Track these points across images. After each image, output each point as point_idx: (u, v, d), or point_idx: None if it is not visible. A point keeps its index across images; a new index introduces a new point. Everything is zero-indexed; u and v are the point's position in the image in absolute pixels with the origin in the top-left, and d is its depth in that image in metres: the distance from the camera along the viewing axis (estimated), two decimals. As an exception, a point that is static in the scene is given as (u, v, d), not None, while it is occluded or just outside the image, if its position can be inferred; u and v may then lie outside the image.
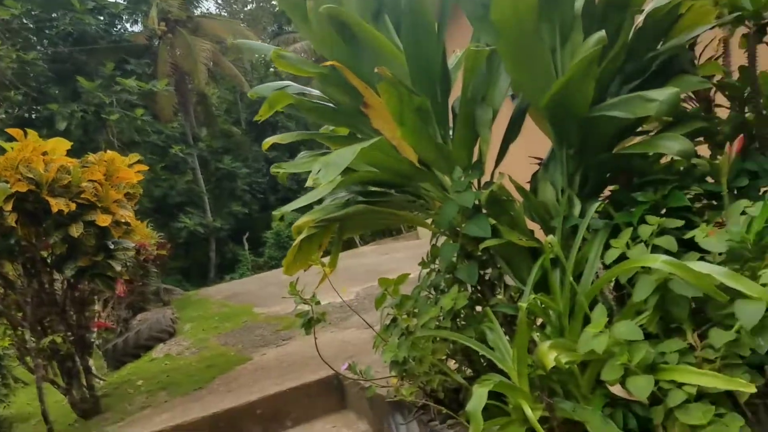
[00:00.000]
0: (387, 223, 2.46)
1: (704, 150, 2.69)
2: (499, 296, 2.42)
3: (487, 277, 2.54)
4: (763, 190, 2.29)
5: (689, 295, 1.70)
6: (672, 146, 1.95)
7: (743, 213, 1.92)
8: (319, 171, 2.14)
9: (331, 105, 2.59)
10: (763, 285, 1.61)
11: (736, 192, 2.47)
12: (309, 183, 2.16)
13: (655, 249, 1.93)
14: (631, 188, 2.21)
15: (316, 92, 2.70)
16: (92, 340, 6.43)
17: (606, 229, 2.16)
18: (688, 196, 2.48)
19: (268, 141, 2.73)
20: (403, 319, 2.51)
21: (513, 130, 2.51)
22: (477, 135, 2.39)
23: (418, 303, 2.47)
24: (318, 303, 2.59)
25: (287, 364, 5.58)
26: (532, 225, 2.47)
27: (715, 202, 2.49)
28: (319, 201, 2.66)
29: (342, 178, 2.27)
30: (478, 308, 2.48)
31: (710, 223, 2.35)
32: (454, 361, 2.38)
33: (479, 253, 2.47)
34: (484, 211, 2.36)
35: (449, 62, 2.66)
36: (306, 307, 2.44)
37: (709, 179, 2.41)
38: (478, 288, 2.56)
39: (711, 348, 1.68)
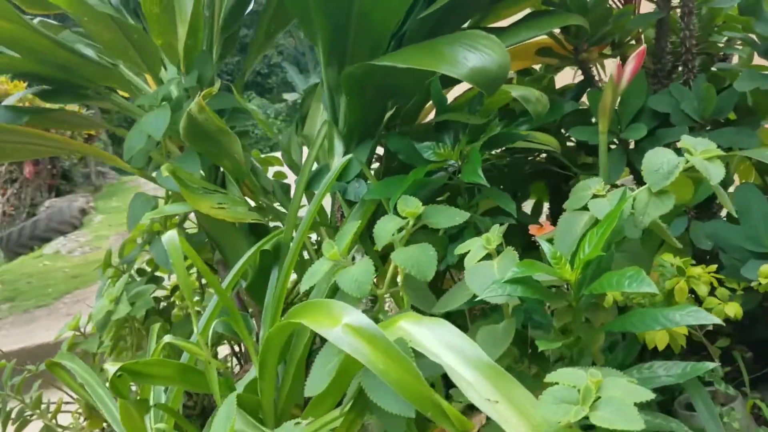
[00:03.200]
0: (42, 151, 1.46)
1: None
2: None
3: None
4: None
5: (387, 408, 0.76)
6: (456, 58, 0.93)
7: (584, 208, 0.96)
8: None
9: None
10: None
11: (634, 146, 1.49)
12: None
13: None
14: (427, 133, 1.21)
15: None
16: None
17: (366, 205, 1.19)
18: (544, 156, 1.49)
19: None
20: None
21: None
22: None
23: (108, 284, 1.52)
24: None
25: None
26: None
27: (592, 160, 1.52)
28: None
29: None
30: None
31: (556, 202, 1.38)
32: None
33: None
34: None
35: None
36: None
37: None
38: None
39: None
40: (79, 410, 1.38)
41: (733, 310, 1.18)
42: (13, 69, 1.43)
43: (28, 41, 1.32)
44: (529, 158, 1.72)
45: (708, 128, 1.38)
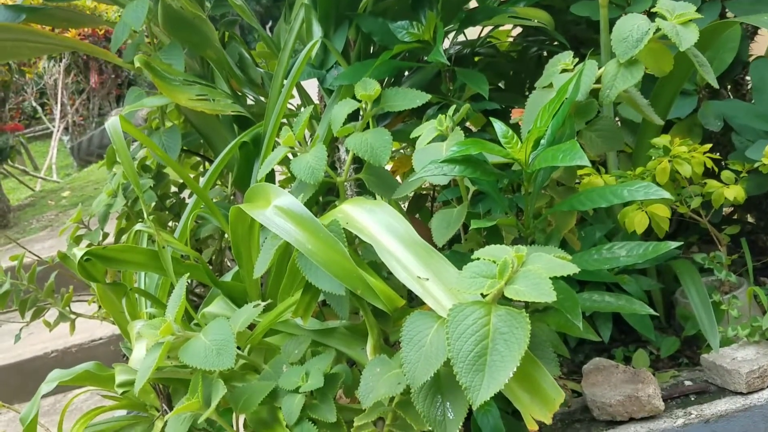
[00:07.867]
0: (41, 48, 1.48)
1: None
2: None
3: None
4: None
5: (320, 287, 0.76)
6: None
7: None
8: None
9: None
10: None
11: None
12: None
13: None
14: (405, 12, 1.15)
15: None
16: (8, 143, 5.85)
17: (342, 93, 1.15)
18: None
19: None
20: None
21: None
22: None
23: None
24: None
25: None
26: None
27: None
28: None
29: None
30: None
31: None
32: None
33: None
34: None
35: None
36: None
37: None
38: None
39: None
40: (95, 299, 1.47)
41: (734, 193, 1.11)
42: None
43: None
44: (546, 42, 1.62)
45: (727, -5, 1.25)
